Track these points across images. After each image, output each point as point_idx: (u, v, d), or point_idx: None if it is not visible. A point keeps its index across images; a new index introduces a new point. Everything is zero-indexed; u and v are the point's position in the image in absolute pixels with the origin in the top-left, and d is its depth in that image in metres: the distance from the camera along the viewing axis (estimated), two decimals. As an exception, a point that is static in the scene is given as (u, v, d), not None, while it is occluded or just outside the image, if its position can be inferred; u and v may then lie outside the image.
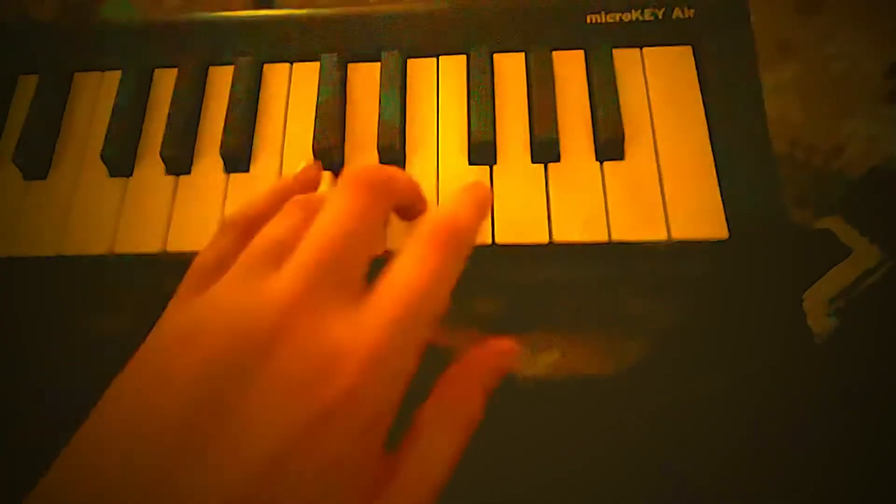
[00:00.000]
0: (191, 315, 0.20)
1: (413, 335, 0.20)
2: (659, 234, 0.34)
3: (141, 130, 0.39)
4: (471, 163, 0.37)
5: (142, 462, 0.17)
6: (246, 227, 0.24)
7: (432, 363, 0.23)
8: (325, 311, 0.19)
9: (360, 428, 0.18)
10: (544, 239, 0.34)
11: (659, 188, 0.35)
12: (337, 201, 0.22)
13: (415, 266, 0.21)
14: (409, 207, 0.27)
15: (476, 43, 0.39)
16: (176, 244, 0.36)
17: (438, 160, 0.37)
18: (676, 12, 0.39)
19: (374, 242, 0.22)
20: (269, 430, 0.17)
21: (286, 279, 0.20)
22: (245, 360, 0.18)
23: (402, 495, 0.20)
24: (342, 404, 0.18)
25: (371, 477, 0.19)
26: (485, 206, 0.25)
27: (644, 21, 0.39)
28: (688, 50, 0.39)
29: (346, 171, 0.23)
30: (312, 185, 0.30)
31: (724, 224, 0.34)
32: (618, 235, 0.34)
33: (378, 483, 0.20)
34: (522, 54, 0.40)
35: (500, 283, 0.38)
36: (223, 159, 0.38)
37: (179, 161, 0.38)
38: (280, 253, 0.21)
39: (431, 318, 0.21)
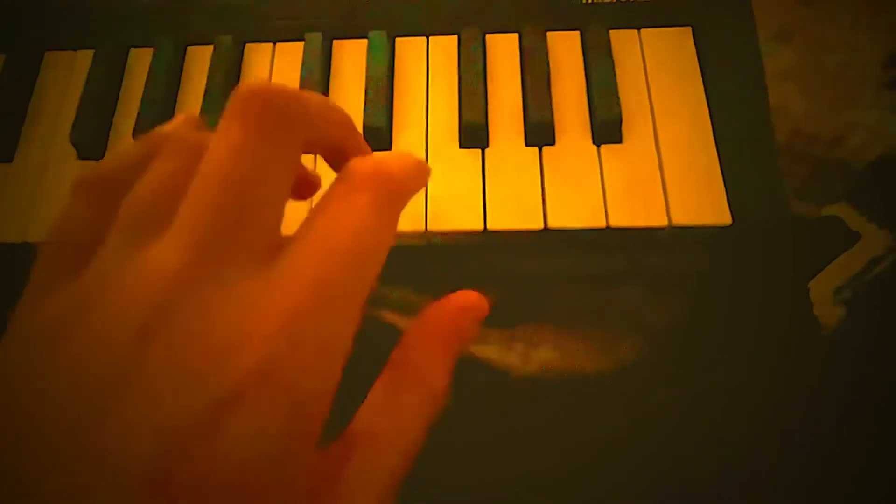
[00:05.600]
0: (60, 305, 0.16)
1: (341, 301, 0.16)
2: (659, 221, 0.33)
3: (113, 112, 0.37)
4: (461, 146, 0.35)
5: None
6: (105, 188, 0.19)
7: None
8: (221, 281, 0.16)
9: (281, 413, 0.15)
10: (539, 225, 0.33)
11: (659, 172, 0.34)
12: (225, 137, 0.17)
13: (340, 215, 0.17)
14: (339, 149, 0.21)
15: (468, 23, 0.38)
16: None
17: (427, 143, 0.35)
18: (676, -9, 0.38)
19: (281, 189, 0.17)
20: (152, 432, 0.14)
21: (168, 248, 0.16)
22: (124, 354, 0.15)
23: (351, 495, 0.16)
24: (251, 388, 0.15)
25: (307, 473, 0.16)
26: (424, 173, 0.21)
27: (642, 1, 0.38)
28: (688, 31, 0.37)
29: (236, 92, 0.17)
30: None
31: (727, 209, 0.33)
32: (616, 221, 0.33)
33: (318, 480, 0.16)
34: (516, 35, 0.38)
35: (492, 273, 0.36)
36: (201, 142, 0.36)
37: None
38: (159, 214, 0.17)
39: (362, 280, 0.17)
